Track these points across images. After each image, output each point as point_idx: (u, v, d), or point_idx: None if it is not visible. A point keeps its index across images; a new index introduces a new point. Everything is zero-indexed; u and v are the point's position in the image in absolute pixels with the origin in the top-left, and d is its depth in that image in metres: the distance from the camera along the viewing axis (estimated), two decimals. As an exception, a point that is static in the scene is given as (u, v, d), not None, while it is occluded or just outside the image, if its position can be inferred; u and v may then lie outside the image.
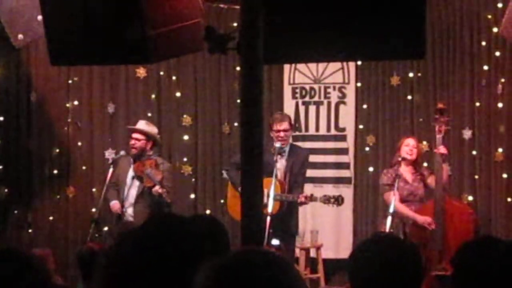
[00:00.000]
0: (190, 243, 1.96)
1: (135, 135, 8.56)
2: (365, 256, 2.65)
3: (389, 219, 7.53)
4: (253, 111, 3.69)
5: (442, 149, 7.90)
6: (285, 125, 8.28)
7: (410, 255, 2.60)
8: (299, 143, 9.09)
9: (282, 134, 8.24)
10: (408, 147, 8.18)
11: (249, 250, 1.77)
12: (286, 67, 9.94)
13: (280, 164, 8.28)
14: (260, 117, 3.70)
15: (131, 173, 8.49)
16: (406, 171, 8.17)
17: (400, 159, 8.13)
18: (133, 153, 8.51)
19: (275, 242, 7.18)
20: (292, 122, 8.37)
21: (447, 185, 8.17)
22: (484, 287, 2.25)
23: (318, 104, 9.97)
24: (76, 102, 9.93)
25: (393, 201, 7.66)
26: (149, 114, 9.90)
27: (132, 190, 8.45)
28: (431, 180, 8.02)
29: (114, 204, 8.41)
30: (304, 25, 3.93)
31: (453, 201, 8.06)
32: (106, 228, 9.03)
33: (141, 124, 8.68)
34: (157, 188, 8.19)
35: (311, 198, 8.07)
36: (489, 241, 2.68)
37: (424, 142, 9.48)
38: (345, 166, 9.86)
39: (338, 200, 8.15)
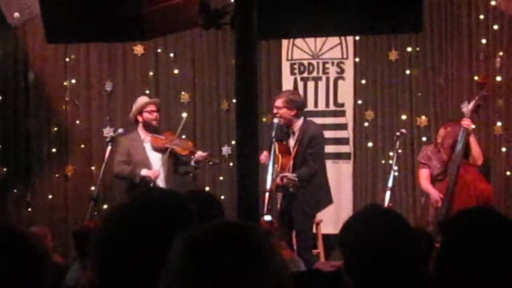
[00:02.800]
0: (178, 218, 1.95)
1: (154, 108, 8.65)
2: (353, 228, 2.65)
3: (388, 194, 7.55)
4: (248, 87, 3.67)
5: (468, 123, 7.82)
6: (278, 102, 8.27)
7: (398, 226, 2.59)
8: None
9: (275, 110, 8.27)
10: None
11: (223, 222, 1.76)
12: (284, 43, 9.90)
13: (292, 140, 8.33)
14: (255, 92, 3.68)
15: (149, 147, 8.51)
16: (444, 153, 8.12)
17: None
18: (155, 125, 8.59)
19: (267, 218, 7.18)
20: (291, 100, 8.23)
21: (479, 160, 8.05)
22: (471, 255, 2.24)
23: (316, 79, 9.95)
24: (73, 81, 9.91)
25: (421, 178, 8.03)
26: (147, 92, 9.87)
27: (156, 163, 8.48)
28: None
29: (154, 172, 8.40)
30: (300, -1, 3.92)
31: (474, 181, 7.88)
32: (105, 206, 9.06)
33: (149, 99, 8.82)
34: (200, 153, 8.45)
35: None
36: (481, 211, 2.67)
37: (423, 117, 9.48)
38: (344, 141, 9.85)
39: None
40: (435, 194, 7.90)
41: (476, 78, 9.12)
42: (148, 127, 8.59)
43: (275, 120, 8.20)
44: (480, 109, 8.17)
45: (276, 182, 8.10)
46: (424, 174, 8.22)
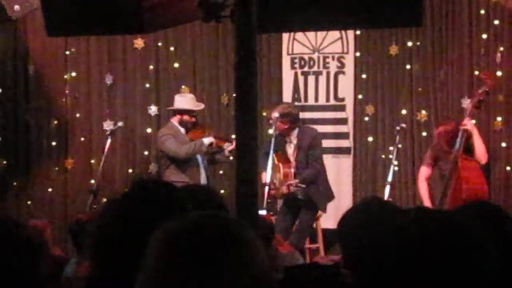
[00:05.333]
0: (172, 210, 1.95)
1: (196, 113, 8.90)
2: (352, 221, 2.64)
3: (387, 188, 7.54)
4: (248, 80, 3.67)
5: (469, 125, 7.75)
6: (272, 115, 8.39)
7: (397, 219, 2.59)
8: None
9: (270, 121, 8.48)
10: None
11: (204, 214, 1.75)
12: (285, 37, 9.90)
13: (289, 148, 8.51)
14: (255, 86, 3.68)
15: (187, 139, 8.72)
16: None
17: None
18: (189, 127, 8.79)
19: (260, 212, 7.22)
20: (284, 114, 8.35)
21: (482, 159, 7.98)
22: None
23: (317, 74, 9.94)
24: (73, 74, 9.91)
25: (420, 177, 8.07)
26: (147, 85, 9.88)
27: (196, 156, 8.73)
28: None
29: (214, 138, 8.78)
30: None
31: (469, 178, 7.80)
32: (104, 200, 9.05)
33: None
34: (228, 146, 8.64)
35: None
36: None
37: (423, 112, 9.47)
38: (344, 136, 9.85)
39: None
40: (425, 201, 7.90)
41: (476, 73, 9.12)
42: (183, 125, 8.78)
43: (270, 131, 8.34)
44: (482, 105, 8.13)
45: (282, 191, 8.27)
46: (424, 173, 8.13)
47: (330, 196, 8.66)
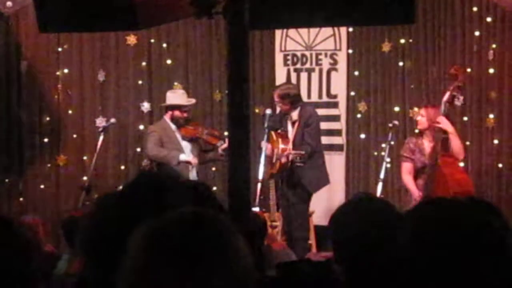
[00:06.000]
0: (165, 206, 1.94)
1: (187, 109, 8.79)
2: (344, 217, 2.65)
3: (380, 185, 7.54)
4: (240, 77, 3.67)
5: (442, 122, 7.66)
6: (274, 95, 8.56)
7: (388, 215, 2.59)
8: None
9: (275, 102, 8.62)
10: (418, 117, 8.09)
11: (184, 212, 1.71)
12: (278, 34, 9.90)
13: (291, 127, 8.53)
14: (247, 82, 3.68)
15: (179, 137, 8.65)
16: (426, 141, 7.95)
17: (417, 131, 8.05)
18: (182, 123, 8.71)
19: (253, 209, 7.23)
20: (284, 94, 8.46)
21: (459, 155, 7.89)
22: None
23: (309, 71, 9.95)
24: (66, 70, 9.90)
25: (403, 172, 7.83)
26: (140, 82, 9.88)
27: (187, 153, 8.64)
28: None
29: (194, 158, 8.63)
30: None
31: (452, 173, 7.74)
32: (97, 196, 9.03)
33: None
34: (222, 144, 8.54)
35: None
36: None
37: (416, 109, 9.48)
38: (337, 133, 9.86)
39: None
40: (414, 192, 7.78)
41: (469, 70, 9.13)
42: (175, 122, 8.71)
43: (267, 111, 8.35)
44: (455, 100, 8.12)
45: (281, 162, 8.32)
46: (406, 168, 7.99)
47: (323, 179, 8.63)
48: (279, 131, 8.54)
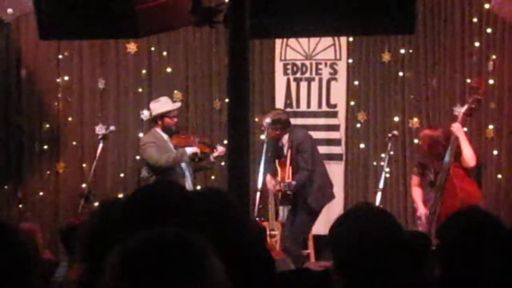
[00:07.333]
0: (165, 213, 1.94)
1: (176, 113, 8.79)
2: (343, 227, 2.64)
3: (379, 195, 7.52)
4: (240, 86, 3.68)
5: (455, 127, 7.60)
6: (264, 121, 8.56)
7: (388, 225, 2.59)
8: (291, 120, 9.02)
9: (262, 128, 8.62)
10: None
11: (161, 230, 1.70)
12: (278, 43, 9.90)
13: (286, 152, 8.58)
14: (247, 90, 3.69)
15: (172, 146, 8.63)
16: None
17: None
18: (173, 130, 8.72)
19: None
20: (274, 121, 8.46)
21: (470, 162, 7.82)
22: (467, 258, 2.24)
23: (309, 80, 9.95)
24: (66, 78, 9.89)
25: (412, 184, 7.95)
26: (140, 90, 9.87)
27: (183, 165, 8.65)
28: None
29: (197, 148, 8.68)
30: (293, -1, 3.92)
31: (462, 186, 7.62)
32: (96, 204, 9.04)
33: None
34: (222, 148, 8.56)
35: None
36: (475, 213, 2.67)
37: (415, 119, 9.49)
38: (336, 142, 9.86)
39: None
40: (420, 210, 7.78)
41: (468, 80, 9.13)
42: (167, 130, 8.67)
43: (267, 120, 8.43)
44: (474, 112, 8.05)
45: (275, 193, 8.52)
46: (414, 181, 8.03)
47: (327, 195, 8.70)
48: (283, 159, 8.62)
